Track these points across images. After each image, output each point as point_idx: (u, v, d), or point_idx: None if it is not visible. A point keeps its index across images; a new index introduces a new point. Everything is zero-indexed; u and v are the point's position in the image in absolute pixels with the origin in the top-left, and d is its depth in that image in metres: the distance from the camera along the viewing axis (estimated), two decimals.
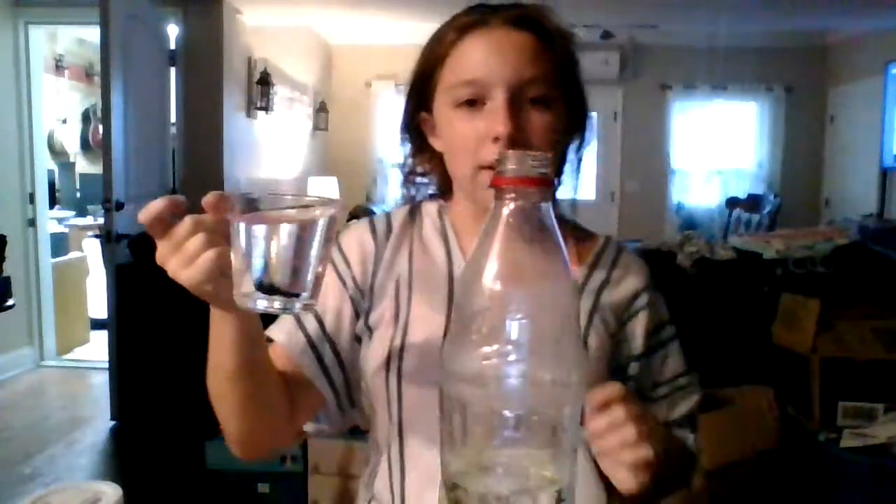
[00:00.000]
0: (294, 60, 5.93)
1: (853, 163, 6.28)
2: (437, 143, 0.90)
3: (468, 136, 0.81)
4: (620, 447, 0.64)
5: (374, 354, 0.86)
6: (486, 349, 0.42)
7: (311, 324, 0.89)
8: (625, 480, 0.66)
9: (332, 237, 0.61)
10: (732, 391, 2.47)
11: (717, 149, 6.92)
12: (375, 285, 0.89)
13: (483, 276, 0.43)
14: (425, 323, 0.85)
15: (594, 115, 0.85)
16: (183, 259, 0.62)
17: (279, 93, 5.44)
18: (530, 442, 0.44)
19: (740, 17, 5.47)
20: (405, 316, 0.86)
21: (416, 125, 0.92)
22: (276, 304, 0.59)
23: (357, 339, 0.89)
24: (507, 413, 0.43)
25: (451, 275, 0.89)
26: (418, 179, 0.97)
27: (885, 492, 2.13)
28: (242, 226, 0.58)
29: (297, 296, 0.59)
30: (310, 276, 0.60)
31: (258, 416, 0.79)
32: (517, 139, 0.79)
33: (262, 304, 0.59)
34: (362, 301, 0.89)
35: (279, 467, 2.62)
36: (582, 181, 0.94)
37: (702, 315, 2.61)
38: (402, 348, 0.84)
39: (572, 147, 0.92)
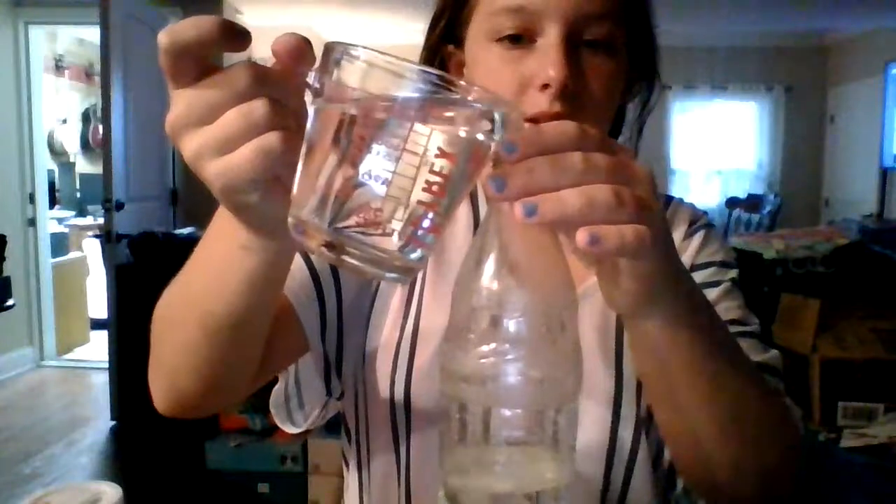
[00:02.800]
0: None
1: (853, 163, 6.28)
2: None
3: (508, 80, 0.64)
4: (584, 207, 0.39)
5: (383, 334, 0.72)
6: (484, 348, 0.42)
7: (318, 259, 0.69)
8: (613, 291, 0.46)
9: (482, 161, 0.38)
10: None
11: (717, 149, 6.93)
12: None
13: (481, 274, 0.43)
14: (439, 305, 0.71)
15: None
16: (218, 137, 0.38)
17: None
18: (529, 441, 0.44)
19: (740, 17, 5.47)
20: (418, 301, 0.72)
21: (438, 62, 0.73)
22: (372, 254, 0.35)
23: (369, 312, 0.73)
24: (505, 412, 0.43)
25: None
26: None
27: (885, 492, 2.13)
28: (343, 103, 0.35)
29: (407, 245, 0.36)
30: (438, 217, 0.37)
31: (229, 373, 0.59)
32: (571, 88, 0.62)
33: (354, 252, 0.35)
34: None
35: (279, 467, 2.62)
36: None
37: None
38: (414, 333, 0.71)
39: (630, 111, 0.78)
